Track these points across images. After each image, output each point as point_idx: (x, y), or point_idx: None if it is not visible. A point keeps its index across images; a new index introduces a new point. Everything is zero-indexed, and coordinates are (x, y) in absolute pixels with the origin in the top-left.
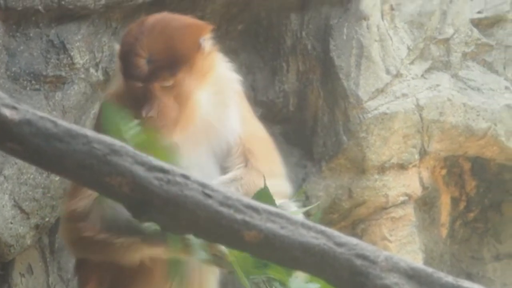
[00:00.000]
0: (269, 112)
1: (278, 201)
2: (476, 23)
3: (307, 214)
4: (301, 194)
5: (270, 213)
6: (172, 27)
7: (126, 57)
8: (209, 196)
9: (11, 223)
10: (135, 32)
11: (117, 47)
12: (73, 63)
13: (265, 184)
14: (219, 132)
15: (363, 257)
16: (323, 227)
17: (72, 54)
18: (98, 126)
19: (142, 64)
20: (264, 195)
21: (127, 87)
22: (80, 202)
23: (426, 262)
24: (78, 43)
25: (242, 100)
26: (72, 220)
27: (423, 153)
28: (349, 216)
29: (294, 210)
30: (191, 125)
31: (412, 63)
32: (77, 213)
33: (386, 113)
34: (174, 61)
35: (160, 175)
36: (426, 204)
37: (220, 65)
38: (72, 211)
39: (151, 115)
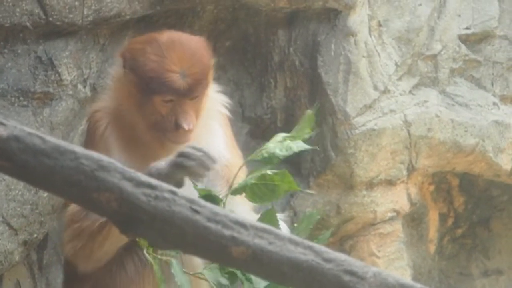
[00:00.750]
0: (257, 128)
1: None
2: (464, 39)
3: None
4: (313, 218)
5: (257, 229)
6: (189, 42)
7: (157, 74)
8: (196, 211)
9: None
10: (155, 50)
11: (115, 69)
12: (61, 80)
13: (272, 206)
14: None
15: (351, 273)
16: (311, 243)
17: (60, 70)
18: (87, 142)
19: (178, 79)
20: (270, 216)
21: (152, 103)
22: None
23: (414, 278)
24: (66, 60)
25: (227, 125)
26: (72, 222)
27: (411, 169)
28: (337, 232)
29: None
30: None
31: (400, 79)
32: (75, 214)
33: (374, 129)
34: (204, 74)
35: (148, 190)
36: (414, 220)
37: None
38: (70, 215)
39: (191, 128)
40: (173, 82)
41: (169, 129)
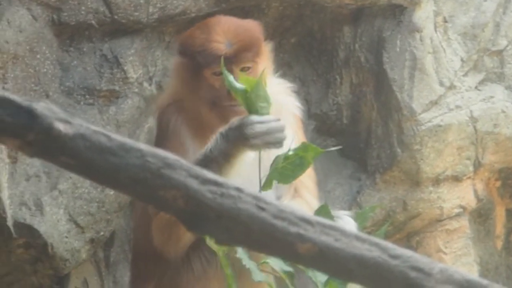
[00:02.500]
0: (323, 125)
1: (336, 212)
2: None
3: (363, 226)
4: (370, 212)
5: (324, 225)
6: (238, 19)
7: (203, 48)
8: (262, 209)
9: (66, 237)
10: (201, 29)
11: (174, 59)
12: (127, 77)
13: (325, 202)
14: (272, 155)
15: (418, 269)
16: (377, 240)
17: (125, 68)
18: (159, 139)
19: (223, 47)
20: (324, 212)
21: (204, 80)
22: None
23: (481, 274)
24: (131, 57)
25: (299, 127)
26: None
27: (477, 165)
28: (404, 228)
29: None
30: None
31: (465, 75)
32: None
33: (440, 125)
34: (253, 43)
35: (214, 188)
36: (481, 216)
37: (277, 85)
38: (160, 222)
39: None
40: (218, 50)
41: (224, 100)
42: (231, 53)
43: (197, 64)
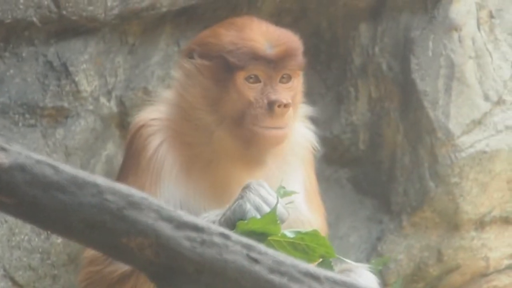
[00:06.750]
0: (334, 152)
1: (349, 264)
2: None
3: (384, 283)
4: (381, 263)
5: (334, 281)
6: (271, 24)
7: (237, 46)
8: (255, 260)
9: None
10: (231, 27)
11: (177, 70)
12: (79, 91)
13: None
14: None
15: None
16: None
17: (76, 79)
18: (128, 168)
19: (264, 47)
20: (325, 266)
21: (234, 88)
22: None
23: None
24: (84, 65)
25: (311, 167)
26: (90, 265)
27: None
28: (439, 285)
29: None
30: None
31: None
32: (95, 255)
33: (485, 152)
34: (295, 49)
35: (193, 234)
36: None
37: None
38: (89, 256)
39: (289, 103)
40: (257, 49)
41: (260, 115)
42: (272, 55)
43: (226, 66)
